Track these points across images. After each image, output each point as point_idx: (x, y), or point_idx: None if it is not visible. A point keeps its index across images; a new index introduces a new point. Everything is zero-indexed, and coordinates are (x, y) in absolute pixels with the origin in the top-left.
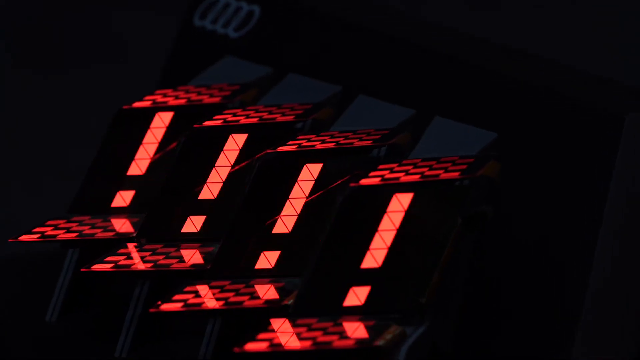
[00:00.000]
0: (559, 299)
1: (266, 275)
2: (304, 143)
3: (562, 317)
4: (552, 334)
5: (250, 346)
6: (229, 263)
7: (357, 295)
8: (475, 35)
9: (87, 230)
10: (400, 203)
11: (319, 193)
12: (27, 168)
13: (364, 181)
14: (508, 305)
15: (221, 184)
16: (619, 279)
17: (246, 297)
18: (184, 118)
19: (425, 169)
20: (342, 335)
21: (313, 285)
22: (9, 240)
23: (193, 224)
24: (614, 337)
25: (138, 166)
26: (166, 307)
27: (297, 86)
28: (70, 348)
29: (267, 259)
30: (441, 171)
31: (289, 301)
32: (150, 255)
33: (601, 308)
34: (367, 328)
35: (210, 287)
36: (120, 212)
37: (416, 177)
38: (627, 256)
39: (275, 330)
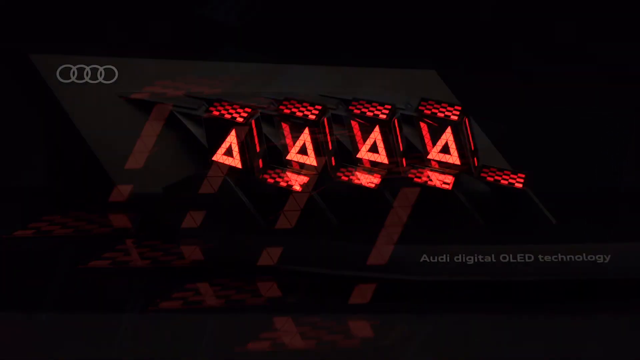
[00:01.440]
0: (569, 298)
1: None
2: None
3: (573, 317)
4: (562, 334)
5: (252, 346)
6: (230, 260)
7: (362, 293)
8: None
9: (83, 225)
10: (406, 198)
11: (322, 188)
12: (23, 162)
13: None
14: (517, 304)
15: (222, 178)
16: (632, 276)
17: (248, 295)
18: (182, 110)
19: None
20: (347, 334)
21: (316, 283)
22: (3, 237)
23: (193, 219)
24: (625, 337)
25: (136, 159)
26: (166, 305)
27: (300, 76)
28: (66, 347)
29: (269, 255)
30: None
31: (292, 299)
32: (149, 251)
33: (611, 308)
34: (373, 327)
35: (211, 285)
36: (118, 206)
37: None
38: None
39: (278, 329)
